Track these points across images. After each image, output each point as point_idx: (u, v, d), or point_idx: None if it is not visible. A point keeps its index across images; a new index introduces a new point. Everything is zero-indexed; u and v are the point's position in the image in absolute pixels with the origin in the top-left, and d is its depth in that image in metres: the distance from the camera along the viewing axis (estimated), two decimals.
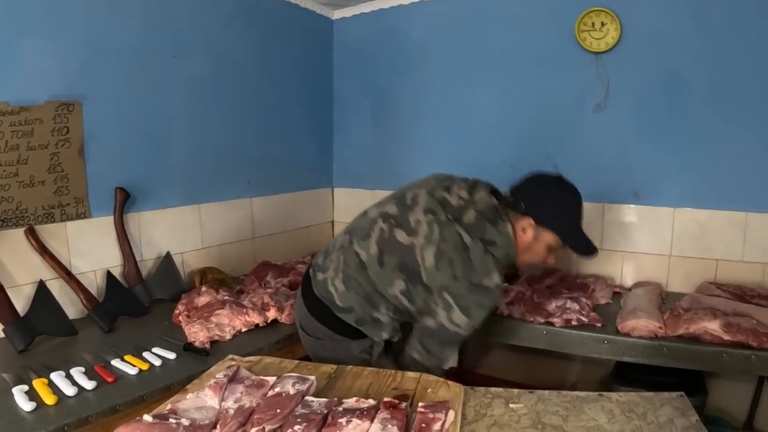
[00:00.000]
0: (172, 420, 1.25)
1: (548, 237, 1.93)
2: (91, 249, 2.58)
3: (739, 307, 2.58)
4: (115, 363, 2.05)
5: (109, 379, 1.93)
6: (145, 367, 2.04)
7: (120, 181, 2.64)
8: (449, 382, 1.57)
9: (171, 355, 2.13)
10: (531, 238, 1.94)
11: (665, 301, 2.87)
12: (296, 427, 1.19)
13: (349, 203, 4.02)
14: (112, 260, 2.66)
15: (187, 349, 2.19)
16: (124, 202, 2.64)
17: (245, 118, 3.31)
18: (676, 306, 2.61)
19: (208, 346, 2.22)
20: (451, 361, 1.95)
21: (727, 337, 2.37)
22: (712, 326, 2.41)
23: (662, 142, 3.02)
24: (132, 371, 2.00)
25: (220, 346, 2.25)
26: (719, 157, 2.94)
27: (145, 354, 2.13)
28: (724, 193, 2.96)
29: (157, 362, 2.08)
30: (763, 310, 2.57)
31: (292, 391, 1.38)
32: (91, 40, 2.50)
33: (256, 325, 2.46)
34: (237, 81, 3.24)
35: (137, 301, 2.65)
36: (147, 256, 2.81)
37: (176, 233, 2.95)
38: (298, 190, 3.73)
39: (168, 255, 2.87)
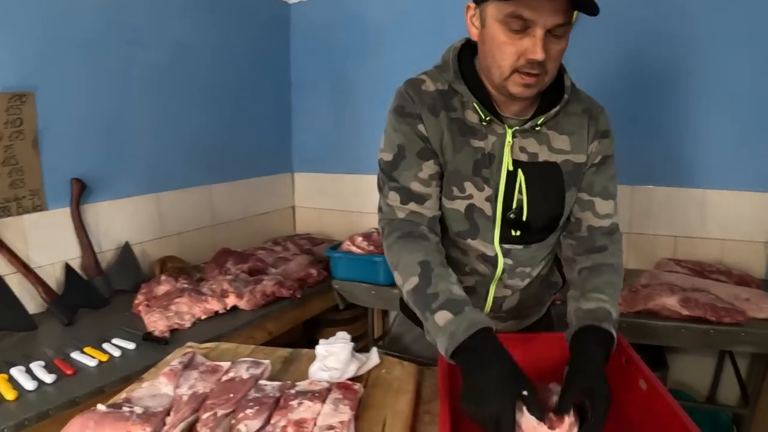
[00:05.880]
0: (125, 408, 1.26)
1: (491, 9, 1.30)
2: (48, 242, 2.55)
3: (698, 283, 2.64)
4: (75, 355, 2.05)
5: (69, 372, 1.93)
6: (104, 358, 2.04)
7: (77, 172, 2.62)
8: (404, 362, 1.59)
9: (131, 346, 2.14)
10: (479, 27, 1.38)
11: (624, 278, 2.91)
12: (248, 411, 1.21)
13: (309, 188, 4.03)
14: (71, 252, 2.64)
15: (147, 338, 2.19)
16: (80, 193, 2.62)
17: (203, 105, 3.29)
18: (635, 283, 2.66)
19: (167, 334, 2.23)
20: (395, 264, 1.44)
21: (685, 312, 2.42)
22: (670, 302, 2.46)
23: (621, 121, 3.04)
24: (91, 363, 2.01)
25: (180, 335, 2.25)
26: (678, 135, 2.99)
27: (105, 345, 2.13)
28: (683, 170, 3.01)
29: (117, 353, 2.09)
30: (721, 285, 2.63)
31: (245, 376, 1.39)
32: (45, 29, 2.46)
33: (216, 312, 2.48)
34: (194, 68, 3.22)
35: (97, 293, 2.64)
36: (106, 247, 2.79)
37: (135, 223, 2.94)
38: (258, 176, 3.73)
39: (127, 245, 2.86)
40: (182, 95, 3.16)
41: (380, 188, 1.52)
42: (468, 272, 1.60)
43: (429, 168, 1.45)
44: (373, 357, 1.56)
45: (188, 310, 2.38)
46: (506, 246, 1.53)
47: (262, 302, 2.59)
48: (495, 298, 1.63)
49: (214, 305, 2.46)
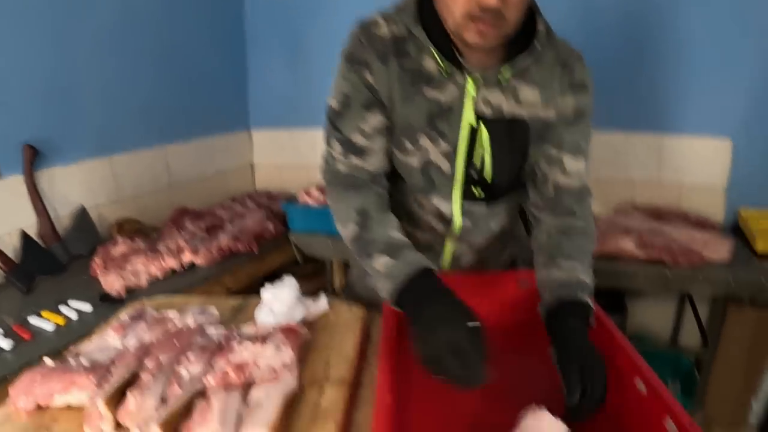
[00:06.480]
0: (71, 361, 1.27)
1: None
2: (3, 210, 2.52)
3: (655, 226, 2.68)
4: (32, 320, 2.05)
5: (26, 337, 1.94)
6: (61, 321, 2.05)
7: (28, 138, 2.57)
8: (352, 306, 1.60)
9: (87, 307, 2.15)
10: None
11: None
12: (190, 356, 1.22)
13: (268, 144, 4.00)
14: (27, 220, 2.61)
15: (103, 299, 2.20)
16: (32, 159, 2.58)
17: (154, 64, 3.24)
18: None
19: (124, 294, 2.24)
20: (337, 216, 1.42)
21: (641, 255, 2.46)
22: (626, 244, 2.49)
23: None
24: (48, 326, 2.01)
25: (136, 293, 2.26)
26: (634, 79, 3.01)
27: (62, 308, 2.14)
28: (639, 115, 3.04)
29: (74, 315, 2.10)
30: (678, 228, 2.67)
31: (191, 324, 1.41)
32: None
33: (173, 270, 2.49)
34: (144, 27, 3.14)
35: (55, 259, 2.62)
36: (62, 212, 2.76)
37: (90, 187, 2.90)
38: (215, 134, 3.70)
39: (83, 209, 2.83)
40: (133, 55, 3.09)
41: (326, 136, 1.46)
42: (424, 228, 1.57)
43: (374, 119, 1.37)
44: (322, 302, 1.58)
45: (144, 269, 2.39)
46: (468, 206, 1.48)
47: (218, 258, 2.61)
48: (453, 255, 1.61)
49: (170, 263, 2.46)
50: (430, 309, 1.11)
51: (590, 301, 1.26)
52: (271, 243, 3.00)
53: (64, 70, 2.74)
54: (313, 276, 3.42)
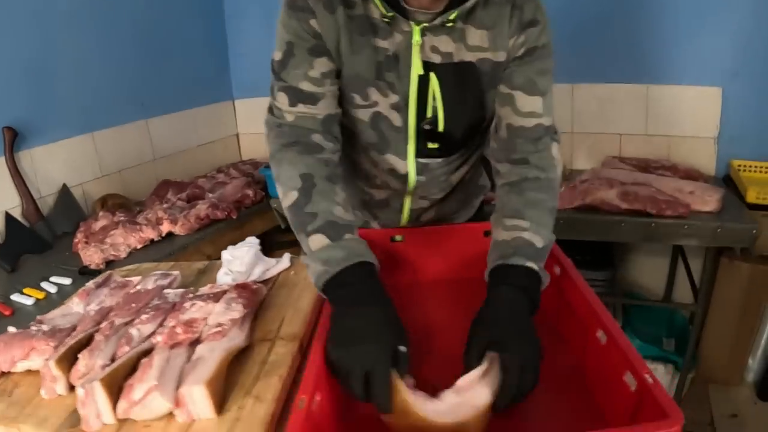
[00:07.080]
0: (33, 328, 1.29)
1: None
2: None
3: (640, 177, 2.65)
4: (14, 297, 2.10)
5: (7, 313, 1.98)
6: (41, 296, 2.10)
7: (6, 121, 2.58)
8: None
9: (67, 281, 2.19)
10: None
11: (567, 177, 2.90)
12: (143, 317, 1.24)
13: (251, 113, 3.99)
14: (10, 201, 2.63)
15: (83, 272, 2.23)
16: (12, 141, 2.59)
17: (131, 39, 3.21)
18: (576, 179, 2.65)
19: (103, 266, 2.26)
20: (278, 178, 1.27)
21: (624, 206, 2.43)
22: (609, 195, 2.46)
23: (560, 16, 3.02)
24: (29, 302, 2.06)
25: (115, 265, 2.27)
26: (618, 29, 2.96)
27: (43, 284, 2.18)
28: (624, 65, 2.99)
29: (54, 290, 2.14)
30: (664, 179, 2.63)
31: (151, 287, 1.42)
32: None
33: (152, 240, 2.51)
34: (119, 2, 3.12)
35: (39, 238, 2.65)
36: (45, 192, 2.78)
37: (72, 165, 2.91)
38: (197, 106, 3.69)
39: (65, 187, 2.85)
40: (111, 29, 3.07)
41: (271, 91, 1.34)
42: (379, 185, 1.53)
43: (322, 65, 1.26)
44: (284, 260, 1.58)
45: (123, 241, 2.40)
46: (423, 160, 1.41)
47: (196, 226, 2.62)
48: (412, 210, 1.57)
49: (149, 233, 2.48)
50: (358, 315, 1.01)
51: (535, 265, 1.14)
52: (252, 210, 3.02)
53: (40, 48, 2.73)
54: (299, 243, 3.40)
